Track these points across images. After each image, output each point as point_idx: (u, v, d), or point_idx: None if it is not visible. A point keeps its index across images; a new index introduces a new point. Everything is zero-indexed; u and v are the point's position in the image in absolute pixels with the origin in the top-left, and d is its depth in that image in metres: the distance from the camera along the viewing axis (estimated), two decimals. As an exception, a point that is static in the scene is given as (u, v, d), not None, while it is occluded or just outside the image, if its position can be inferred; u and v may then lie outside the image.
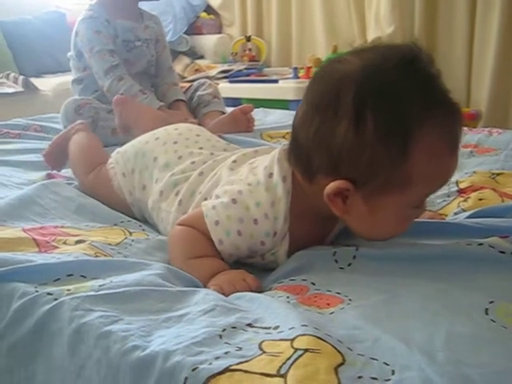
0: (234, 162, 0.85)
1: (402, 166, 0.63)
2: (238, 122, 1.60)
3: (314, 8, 3.26)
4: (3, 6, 3.35)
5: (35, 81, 2.90)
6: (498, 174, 1.04)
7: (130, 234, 0.87)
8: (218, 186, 0.81)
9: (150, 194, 0.94)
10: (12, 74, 2.90)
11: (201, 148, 0.96)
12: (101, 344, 0.54)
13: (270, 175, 0.75)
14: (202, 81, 1.87)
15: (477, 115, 2.74)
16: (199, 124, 1.43)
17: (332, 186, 0.66)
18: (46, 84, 2.95)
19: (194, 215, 0.79)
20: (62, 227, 0.87)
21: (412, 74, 0.64)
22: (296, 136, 0.71)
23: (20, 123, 1.77)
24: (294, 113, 0.73)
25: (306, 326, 0.52)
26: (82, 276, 0.66)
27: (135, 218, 0.98)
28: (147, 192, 0.96)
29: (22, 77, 2.84)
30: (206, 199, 0.81)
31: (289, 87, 2.38)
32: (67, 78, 2.17)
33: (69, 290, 0.62)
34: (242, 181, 0.77)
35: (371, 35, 2.98)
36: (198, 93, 1.80)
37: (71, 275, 0.66)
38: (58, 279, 0.66)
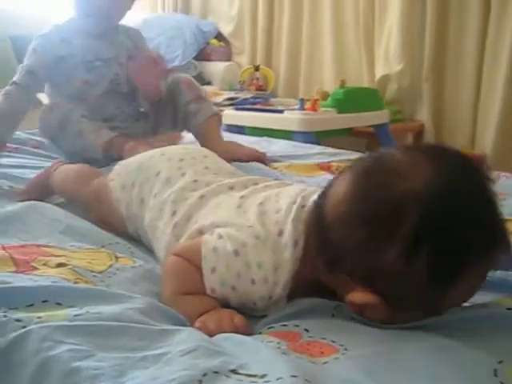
0: (242, 197, 0.79)
1: (437, 299, 0.61)
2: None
3: (323, 41, 3.26)
4: (13, 21, 3.37)
5: (39, 95, 2.88)
6: (507, 221, 0.99)
7: (117, 259, 0.82)
8: (219, 223, 0.75)
9: (147, 208, 0.90)
10: (17, 88, 2.89)
11: (206, 168, 0.92)
12: (67, 382, 0.49)
13: (280, 233, 0.69)
14: (174, 77, 1.62)
15: (482, 158, 2.71)
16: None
17: (362, 298, 0.61)
18: (50, 99, 2.94)
19: (191, 248, 0.73)
20: (46, 246, 0.82)
21: (479, 212, 0.61)
22: (329, 227, 0.63)
23: (20, 137, 1.75)
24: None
25: (295, 376, 0.47)
26: (57, 303, 0.61)
27: (126, 238, 0.93)
28: (145, 206, 0.91)
29: (27, 91, 2.83)
30: (202, 232, 0.76)
31: (294, 118, 2.35)
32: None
33: (39, 317, 0.56)
34: (250, 228, 0.70)
35: (380, 72, 2.97)
36: (180, 102, 1.57)
37: (46, 301, 0.61)
38: (32, 305, 0.60)
